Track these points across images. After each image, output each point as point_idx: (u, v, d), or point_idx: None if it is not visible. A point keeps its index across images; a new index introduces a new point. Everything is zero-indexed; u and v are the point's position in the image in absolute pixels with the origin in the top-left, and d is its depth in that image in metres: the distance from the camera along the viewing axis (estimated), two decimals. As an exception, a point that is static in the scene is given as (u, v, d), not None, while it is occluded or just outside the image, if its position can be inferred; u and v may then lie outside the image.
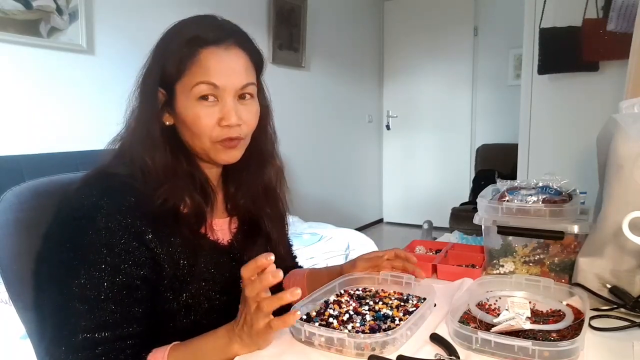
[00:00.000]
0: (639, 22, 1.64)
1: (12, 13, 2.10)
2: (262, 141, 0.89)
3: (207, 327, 0.72)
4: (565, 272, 0.97)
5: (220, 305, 0.80)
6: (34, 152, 2.18)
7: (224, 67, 0.77)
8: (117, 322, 0.68)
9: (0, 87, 2.12)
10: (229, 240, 0.87)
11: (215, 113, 0.77)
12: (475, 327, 0.73)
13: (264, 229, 0.91)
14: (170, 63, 0.76)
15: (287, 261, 1.02)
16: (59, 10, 2.26)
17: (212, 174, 0.87)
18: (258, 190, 0.90)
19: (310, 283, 0.99)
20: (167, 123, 0.80)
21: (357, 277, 0.94)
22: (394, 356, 0.66)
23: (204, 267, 0.79)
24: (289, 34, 3.71)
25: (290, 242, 1.09)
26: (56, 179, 0.85)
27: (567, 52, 2.36)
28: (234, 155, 0.82)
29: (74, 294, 0.67)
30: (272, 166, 0.92)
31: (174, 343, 0.70)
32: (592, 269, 0.88)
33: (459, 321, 0.76)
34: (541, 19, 2.45)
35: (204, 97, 0.76)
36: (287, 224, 1.01)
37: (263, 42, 3.50)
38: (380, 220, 5.34)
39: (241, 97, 0.80)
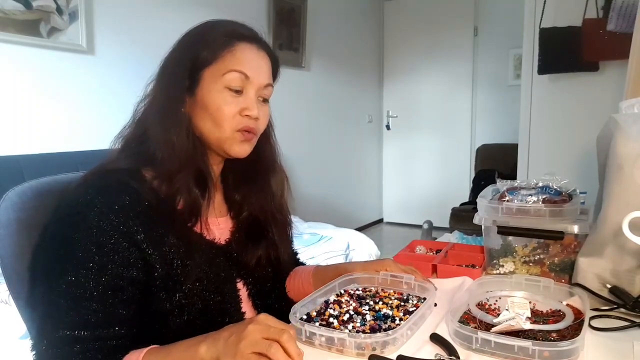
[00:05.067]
0: (639, 22, 1.64)
1: (12, 13, 2.10)
2: (267, 150, 0.92)
3: (201, 327, 0.71)
4: (565, 272, 0.97)
5: (214, 306, 0.79)
6: (34, 152, 2.18)
7: (255, 63, 0.82)
8: (99, 322, 0.68)
9: (0, 87, 2.12)
10: (227, 240, 0.87)
11: (239, 103, 0.80)
12: (475, 327, 0.73)
13: (269, 235, 0.92)
14: (206, 48, 0.79)
15: (289, 266, 1.02)
16: (59, 10, 2.26)
17: (214, 170, 0.88)
18: (266, 200, 0.92)
19: (316, 282, 0.98)
20: (183, 110, 0.81)
21: (357, 277, 0.94)
22: (394, 356, 0.66)
23: (199, 267, 0.78)
24: (289, 34, 3.71)
25: (291, 238, 1.08)
26: (58, 178, 0.85)
27: (567, 52, 2.36)
28: (246, 149, 0.84)
29: (60, 290, 0.67)
30: (278, 175, 0.94)
31: (151, 346, 0.69)
32: (592, 269, 0.88)
33: (459, 321, 0.76)
34: (541, 19, 2.45)
35: (232, 88, 0.80)
36: (290, 234, 1.01)
37: (263, 42, 3.48)
38: (380, 220, 5.34)
39: (259, 97, 0.84)
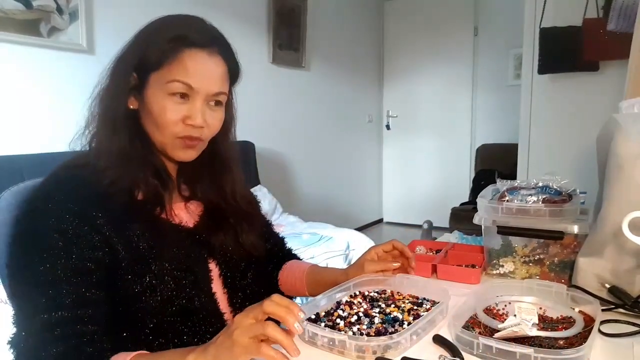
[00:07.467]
0: (639, 22, 1.64)
1: (12, 13, 2.10)
2: (225, 147, 0.91)
3: (176, 308, 0.75)
4: (565, 272, 0.97)
5: (188, 285, 0.79)
6: (34, 152, 2.18)
7: (203, 71, 0.79)
8: (74, 303, 0.68)
9: (0, 87, 2.12)
10: (195, 223, 0.88)
11: (182, 110, 0.78)
12: (479, 333, 0.73)
13: (231, 222, 0.91)
14: (152, 53, 0.78)
15: (259, 249, 0.96)
16: (59, 10, 2.26)
17: (170, 165, 0.88)
18: (223, 197, 0.91)
19: (310, 282, 0.98)
20: (132, 107, 0.82)
21: (374, 279, 0.94)
22: (398, 357, 0.67)
23: (167, 249, 0.79)
24: (289, 34, 3.71)
25: (281, 235, 1.09)
26: (55, 179, 0.85)
27: (567, 52, 2.37)
28: (190, 155, 0.83)
29: (30, 280, 0.68)
30: (231, 176, 0.92)
31: (138, 352, 0.68)
32: (592, 269, 0.88)
33: (464, 326, 0.76)
34: (541, 19, 2.45)
35: (176, 94, 0.78)
36: (259, 220, 1.01)
37: (263, 42, 3.49)
38: (380, 220, 5.34)
39: (210, 102, 0.82)
